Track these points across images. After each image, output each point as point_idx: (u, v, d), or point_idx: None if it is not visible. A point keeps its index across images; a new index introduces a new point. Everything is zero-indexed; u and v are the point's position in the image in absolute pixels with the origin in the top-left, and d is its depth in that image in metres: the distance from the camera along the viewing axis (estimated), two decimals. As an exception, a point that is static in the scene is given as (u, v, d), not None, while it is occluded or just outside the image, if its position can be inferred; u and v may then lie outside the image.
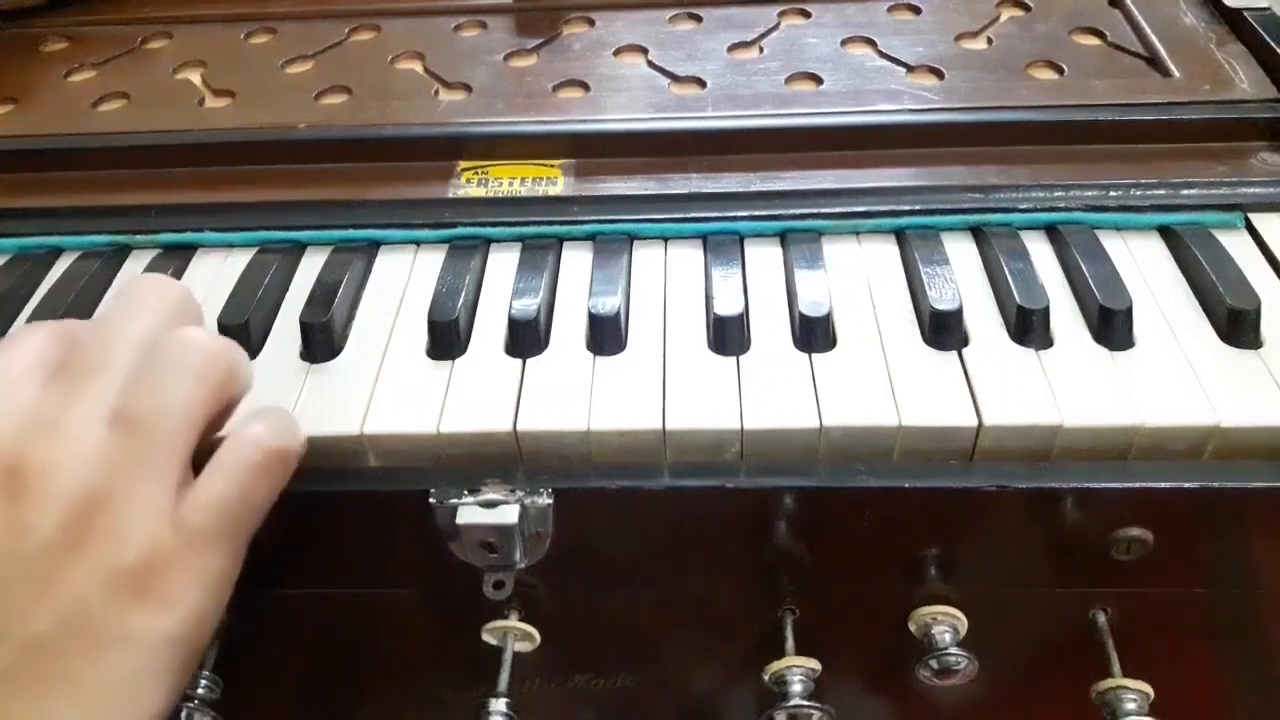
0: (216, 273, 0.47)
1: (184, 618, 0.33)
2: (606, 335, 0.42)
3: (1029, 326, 0.41)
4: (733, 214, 0.47)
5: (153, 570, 0.32)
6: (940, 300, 0.42)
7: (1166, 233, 0.46)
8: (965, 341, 0.41)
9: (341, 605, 0.44)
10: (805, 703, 0.40)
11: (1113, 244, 0.45)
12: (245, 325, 0.43)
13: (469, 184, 0.50)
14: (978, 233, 0.46)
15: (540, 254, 0.46)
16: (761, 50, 0.58)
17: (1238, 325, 0.41)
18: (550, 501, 0.38)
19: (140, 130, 0.54)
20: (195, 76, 0.60)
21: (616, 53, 0.59)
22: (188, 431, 0.34)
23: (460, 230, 0.48)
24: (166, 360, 0.34)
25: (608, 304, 0.43)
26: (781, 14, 0.61)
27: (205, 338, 0.35)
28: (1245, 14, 0.56)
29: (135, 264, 0.48)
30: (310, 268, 0.47)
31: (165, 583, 0.33)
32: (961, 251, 0.45)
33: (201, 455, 0.35)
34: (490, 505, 0.38)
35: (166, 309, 0.37)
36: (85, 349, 0.35)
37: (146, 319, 0.36)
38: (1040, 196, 0.47)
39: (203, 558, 0.34)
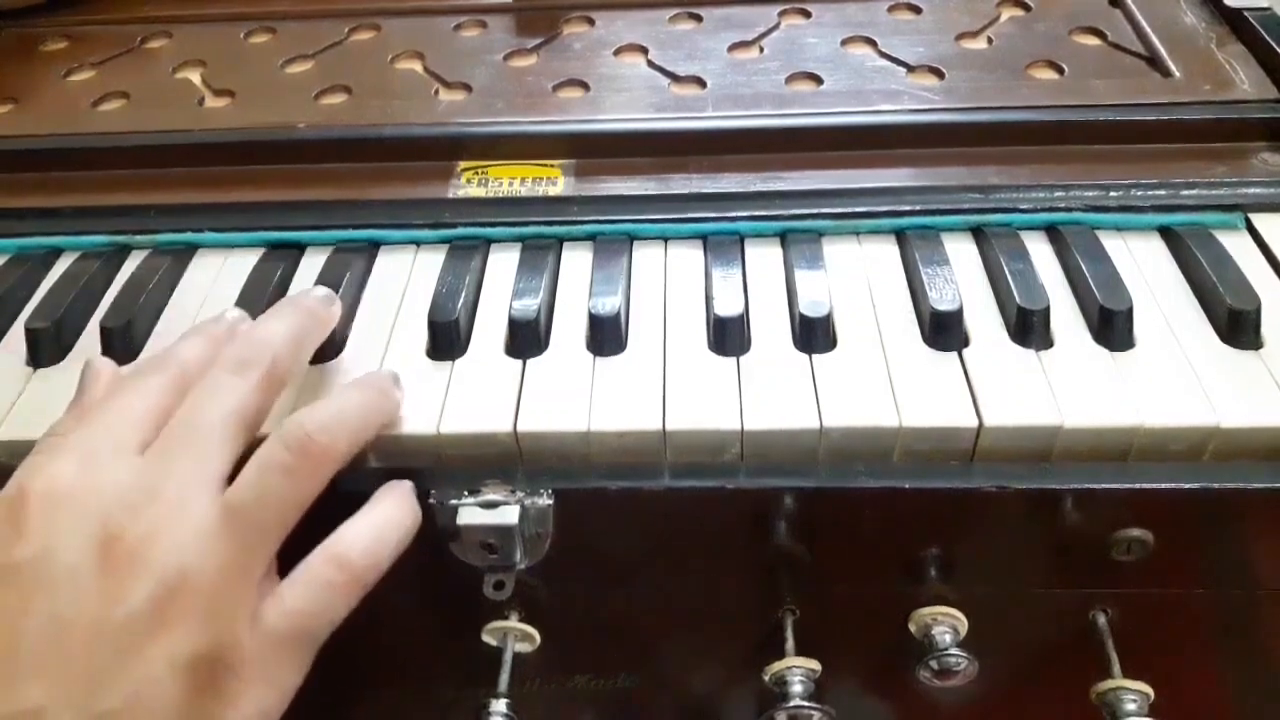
0: (216, 273, 0.47)
1: (245, 716, 0.33)
2: (606, 336, 0.42)
3: (1029, 327, 0.41)
4: (733, 214, 0.47)
5: (226, 664, 0.32)
6: (940, 301, 0.42)
7: (1167, 233, 0.46)
8: (965, 342, 0.41)
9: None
10: (805, 703, 0.40)
11: (1113, 244, 0.45)
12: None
13: (469, 184, 0.50)
14: (978, 233, 0.46)
15: (540, 254, 0.46)
16: (761, 50, 0.58)
17: (1238, 326, 0.41)
18: (550, 502, 0.38)
19: (140, 130, 0.54)
20: (195, 76, 0.60)
21: (616, 52, 0.59)
22: (282, 529, 0.35)
23: (460, 230, 0.48)
24: (272, 456, 0.35)
25: (608, 304, 0.43)
26: (781, 14, 0.61)
27: (312, 436, 0.35)
28: (1246, 14, 0.56)
29: (134, 264, 0.48)
30: (310, 268, 0.47)
31: (236, 679, 0.33)
32: (962, 252, 0.45)
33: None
34: (490, 506, 0.38)
35: (262, 372, 0.37)
36: (184, 412, 0.35)
37: (242, 385, 0.36)
38: (1040, 197, 0.47)
39: (274, 661, 0.34)
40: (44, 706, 0.30)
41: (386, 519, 0.37)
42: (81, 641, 0.31)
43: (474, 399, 0.40)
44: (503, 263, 0.47)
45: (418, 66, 0.59)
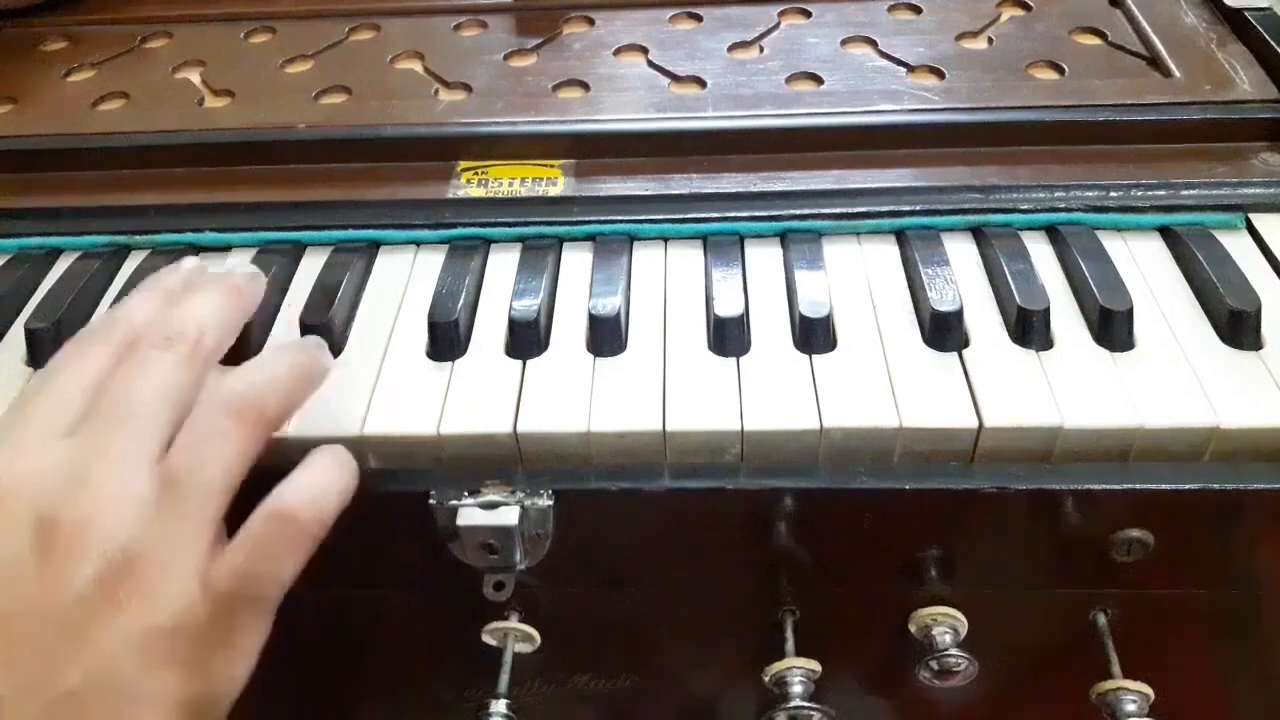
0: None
1: (211, 681, 0.33)
2: (606, 336, 0.42)
3: (1029, 327, 0.41)
4: (733, 214, 0.47)
5: (184, 633, 0.32)
6: (941, 301, 0.42)
7: (1167, 233, 0.46)
8: (966, 342, 0.41)
9: (342, 605, 0.44)
10: (805, 704, 0.40)
11: (1113, 244, 0.45)
12: (245, 326, 0.43)
13: (469, 184, 0.50)
14: (978, 233, 0.46)
15: (540, 255, 0.46)
16: (762, 50, 0.58)
17: (1238, 326, 0.41)
18: (550, 503, 0.38)
19: (140, 130, 0.54)
20: (195, 76, 0.60)
21: (616, 52, 0.59)
22: (224, 494, 0.34)
23: (460, 231, 0.48)
24: (205, 421, 0.35)
25: (608, 305, 0.43)
26: (782, 13, 0.61)
27: (244, 396, 0.35)
28: (1246, 14, 0.56)
29: (134, 264, 0.48)
30: (310, 268, 0.47)
31: (195, 647, 0.33)
32: (962, 252, 0.45)
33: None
34: (490, 507, 0.38)
35: (190, 346, 0.37)
36: (112, 391, 0.35)
37: (170, 359, 0.36)
38: (1041, 197, 0.47)
39: (232, 625, 0.34)
40: (2, 696, 0.30)
41: (323, 473, 0.36)
42: (28, 630, 0.31)
43: (474, 399, 0.40)
44: (503, 263, 0.47)
45: (418, 66, 0.59)
